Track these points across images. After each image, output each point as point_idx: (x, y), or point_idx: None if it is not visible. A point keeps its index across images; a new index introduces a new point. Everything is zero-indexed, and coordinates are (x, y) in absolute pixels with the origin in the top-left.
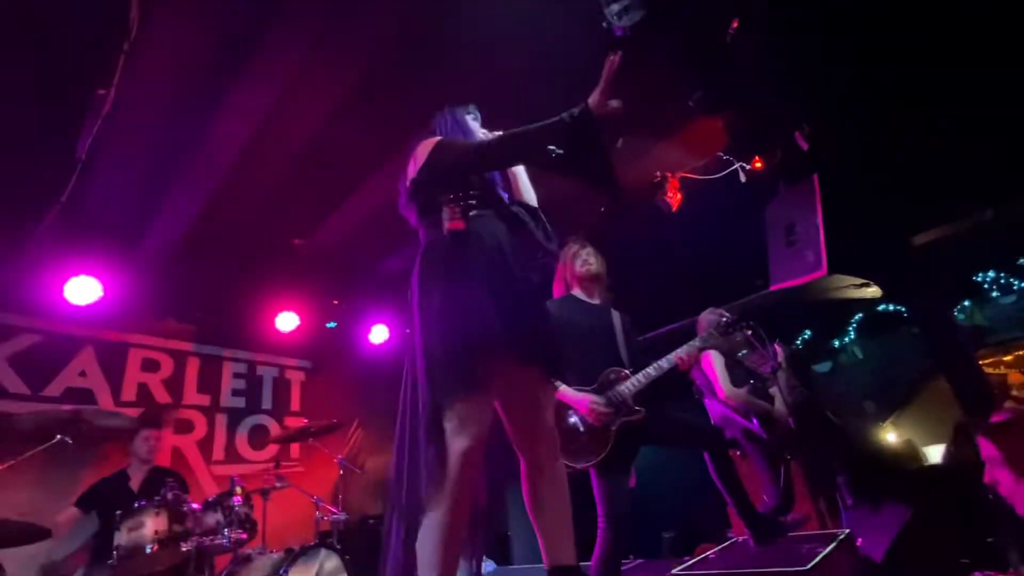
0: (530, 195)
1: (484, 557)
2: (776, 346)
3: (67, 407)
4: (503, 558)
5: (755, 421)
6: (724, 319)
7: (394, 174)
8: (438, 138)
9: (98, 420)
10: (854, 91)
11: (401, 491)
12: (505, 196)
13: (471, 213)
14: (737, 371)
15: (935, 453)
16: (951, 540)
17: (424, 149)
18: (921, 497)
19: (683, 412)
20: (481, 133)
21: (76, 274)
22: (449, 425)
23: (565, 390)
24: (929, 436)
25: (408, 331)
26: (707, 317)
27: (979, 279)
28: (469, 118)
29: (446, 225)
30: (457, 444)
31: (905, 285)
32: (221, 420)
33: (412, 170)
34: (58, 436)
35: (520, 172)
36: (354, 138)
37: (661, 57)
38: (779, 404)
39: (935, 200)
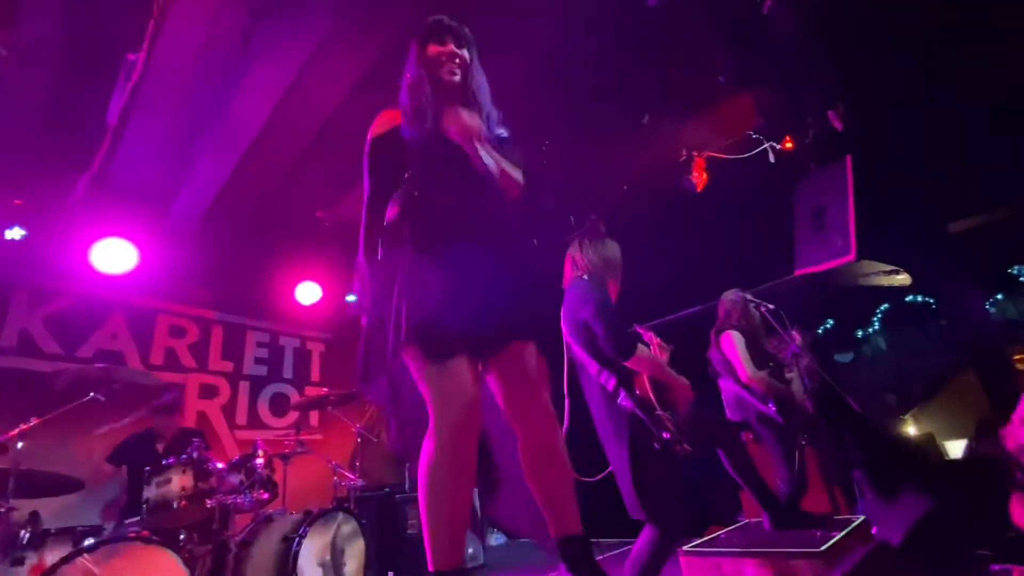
0: (513, 181)
1: (493, 529)
2: (795, 332)
3: (99, 366)
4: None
5: (771, 405)
6: (747, 299)
7: None
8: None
9: (127, 379)
10: (891, 69)
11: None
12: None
13: (419, 190)
14: (757, 353)
15: (956, 448)
16: (970, 532)
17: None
18: (941, 490)
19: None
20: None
21: (108, 239)
22: (436, 402)
23: (663, 362)
24: (951, 431)
25: None
26: (729, 298)
27: (1015, 272)
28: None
29: (397, 204)
30: (448, 418)
31: (937, 275)
32: (244, 387)
33: None
34: (91, 394)
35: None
36: (378, 110)
37: (692, 30)
38: (796, 389)
39: (973, 187)
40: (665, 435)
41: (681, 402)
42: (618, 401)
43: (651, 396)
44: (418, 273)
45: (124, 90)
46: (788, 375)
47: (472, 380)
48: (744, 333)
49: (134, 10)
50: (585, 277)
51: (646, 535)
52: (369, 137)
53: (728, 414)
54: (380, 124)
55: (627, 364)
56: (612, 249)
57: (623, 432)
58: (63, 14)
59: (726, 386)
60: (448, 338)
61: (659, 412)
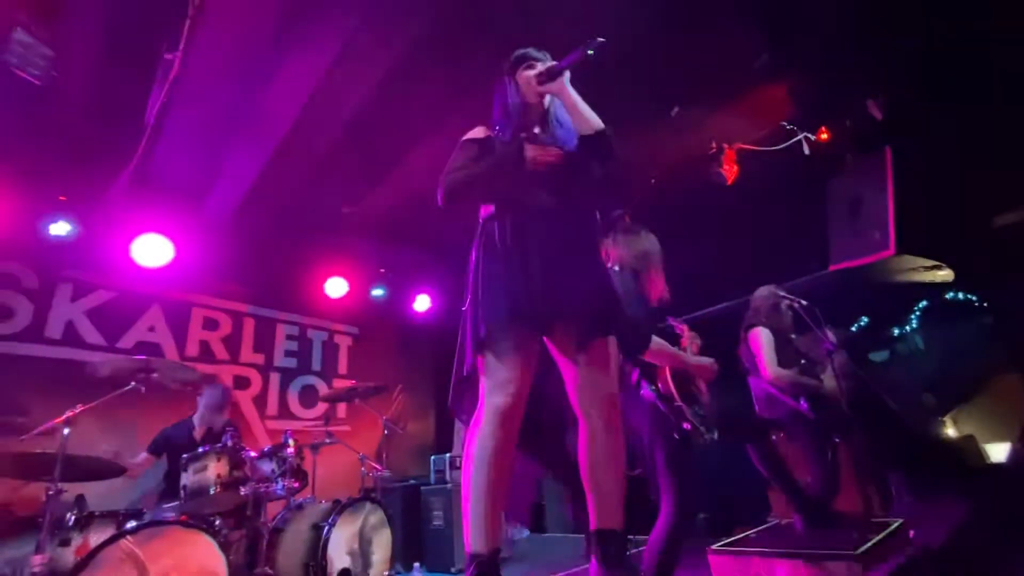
0: (586, 124)
1: (518, 524)
2: (828, 330)
3: (139, 357)
4: (537, 526)
5: (803, 402)
6: (781, 296)
7: (442, 144)
8: (469, 135)
9: (167, 371)
10: (933, 56)
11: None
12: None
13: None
14: (787, 350)
15: (998, 451)
16: (1013, 539)
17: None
18: (982, 494)
19: (725, 399)
20: (535, 79)
21: (146, 235)
22: (489, 391)
23: (678, 351)
24: (993, 433)
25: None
26: (760, 294)
27: None
28: (526, 72)
29: (481, 209)
30: (498, 408)
31: (981, 271)
32: (274, 379)
33: None
34: (131, 383)
35: (571, 104)
36: (404, 107)
37: (724, 17)
38: (829, 387)
39: (1018, 178)
40: (685, 425)
41: (706, 382)
42: (640, 392)
43: (672, 388)
44: (488, 271)
45: (162, 88)
46: (822, 374)
47: (523, 372)
48: (772, 330)
49: (171, 10)
50: (617, 269)
51: (662, 519)
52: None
53: (758, 411)
54: (473, 133)
55: (646, 357)
56: (645, 242)
57: (645, 421)
58: (103, 15)
59: (755, 384)
60: (508, 331)
61: (679, 403)
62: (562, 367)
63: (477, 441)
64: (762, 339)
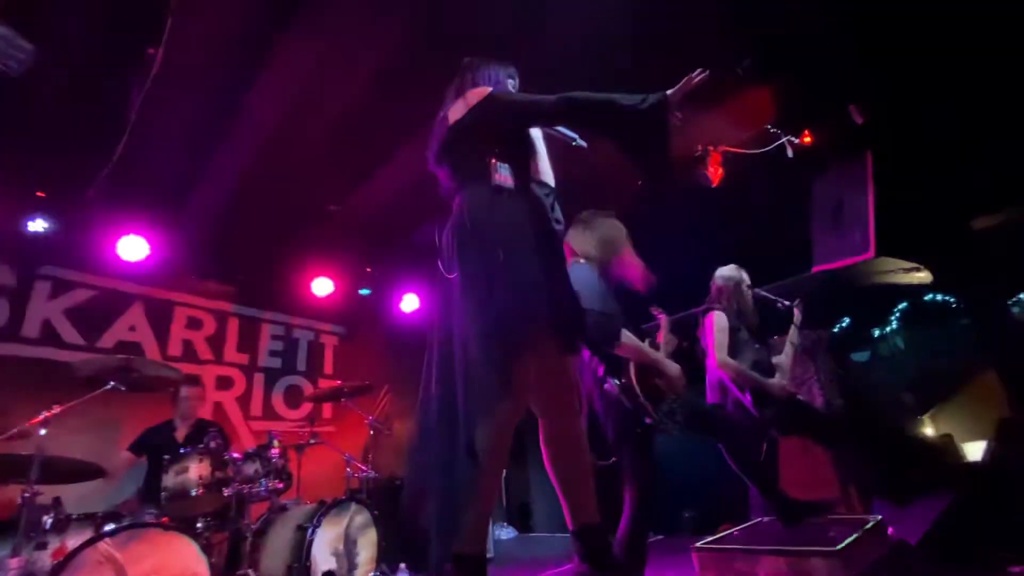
0: (549, 176)
1: (503, 524)
2: (796, 309)
3: (120, 356)
4: (524, 526)
5: (748, 396)
6: (742, 278)
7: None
8: (491, 88)
9: (147, 370)
10: (914, 62)
11: (431, 448)
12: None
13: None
14: (741, 338)
15: (975, 449)
16: (990, 533)
17: (477, 95)
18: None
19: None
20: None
21: (126, 233)
22: (501, 387)
23: (647, 348)
24: (970, 432)
25: (441, 290)
26: (723, 274)
27: None
28: (508, 81)
29: (495, 177)
30: (505, 405)
31: (959, 273)
32: (259, 379)
33: (457, 113)
34: (111, 383)
35: (542, 150)
36: (390, 107)
37: (707, 21)
38: (779, 377)
39: (996, 182)
40: (647, 420)
41: (671, 389)
42: (604, 387)
43: (635, 383)
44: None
45: (143, 84)
46: (776, 359)
47: (529, 377)
48: (730, 315)
49: (153, 5)
50: (581, 262)
51: (626, 512)
52: None
53: (708, 397)
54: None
55: (615, 351)
56: (607, 229)
57: (610, 415)
58: (85, 9)
59: (710, 367)
60: (524, 337)
61: (641, 400)
62: (534, 369)
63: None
64: (716, 324)
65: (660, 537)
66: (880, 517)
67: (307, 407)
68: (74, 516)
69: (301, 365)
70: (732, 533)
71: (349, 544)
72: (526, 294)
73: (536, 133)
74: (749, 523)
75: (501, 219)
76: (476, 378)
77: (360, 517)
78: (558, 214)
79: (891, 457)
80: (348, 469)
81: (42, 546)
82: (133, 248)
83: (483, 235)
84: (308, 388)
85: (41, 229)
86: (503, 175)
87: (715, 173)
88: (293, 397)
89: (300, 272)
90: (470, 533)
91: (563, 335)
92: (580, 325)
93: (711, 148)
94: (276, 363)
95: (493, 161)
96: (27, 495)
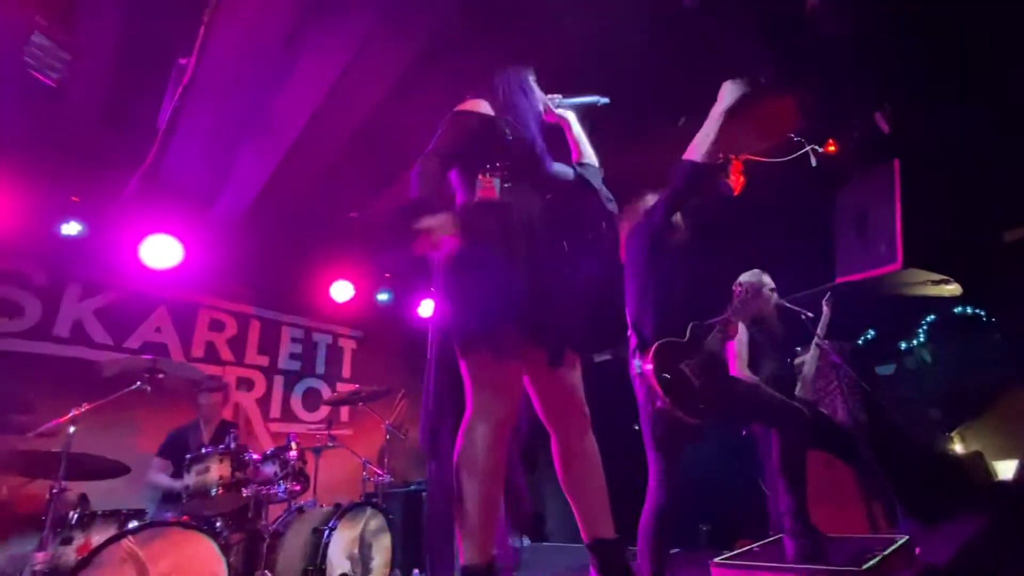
0: (591, 156)
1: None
2: (826, 305)
3: (147, 357)
4: (538, 535)
5: None
6: (763, 283)
7: None
8: (467, 104)
9: (173, 371)
10: (943, 68)
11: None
12: (550, 166)
13: (505, 185)
14: (761, 349)
15: (1007, 468)
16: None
17: (450, 116)
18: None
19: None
20: (539, 96)
21: (156, 235)
22: (481, 396)
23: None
24: (1002, 450)
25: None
26: (746, 280)
27: None
28: (521, 85)
29: (478, 193)
30: (491, 414)
31: (990, 286)
32: (278, 381)
33: None
34: (138, 383)
35: (579, 132)
36: (410, 114)
37: (730, 28)
38: (799, 390)
39: None
40: (659, 403)
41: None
42: (632, 361)
43: (653, 366)
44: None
45: (175, 93)
46: (799, 360)
47: (520, 382)
48: (747, 323)
49: (186, 16)
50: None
51: (649, 499)
52: None
53: None
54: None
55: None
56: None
57: (639, 393)
58: (119, 20)
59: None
60: (511, 339)
61: (654, 383)
62: (531, 380)
63: (468, 449)
64: (739, 333)
65: (677, 551)
66: (907, 537)
67: (325, 410)
68: (99, 513)
69: (320, 368)
70: (753, 549)
71: (364, 548)
72: (500, 300)
73: (571, 116)
74: (770, 539)
75: (471, 238)
76: (435, 386)
77: (375, 521)
78: (605, 192)
79: (918, 474)
80: (364, 473)
81: (67, 541)
82: (162, 251)
83: (455, 255)
84: (326, 391)
85: (74, 232)
86: (488, 189)
87: (737, 182)
88: (311, 400)
89: (320, 276)
90: (472, 546)
91: (548, 347)
92: (571, 337)
93: (733, 156)
94: (295, 366)
95: (481, 177)
96: (55, 491)
